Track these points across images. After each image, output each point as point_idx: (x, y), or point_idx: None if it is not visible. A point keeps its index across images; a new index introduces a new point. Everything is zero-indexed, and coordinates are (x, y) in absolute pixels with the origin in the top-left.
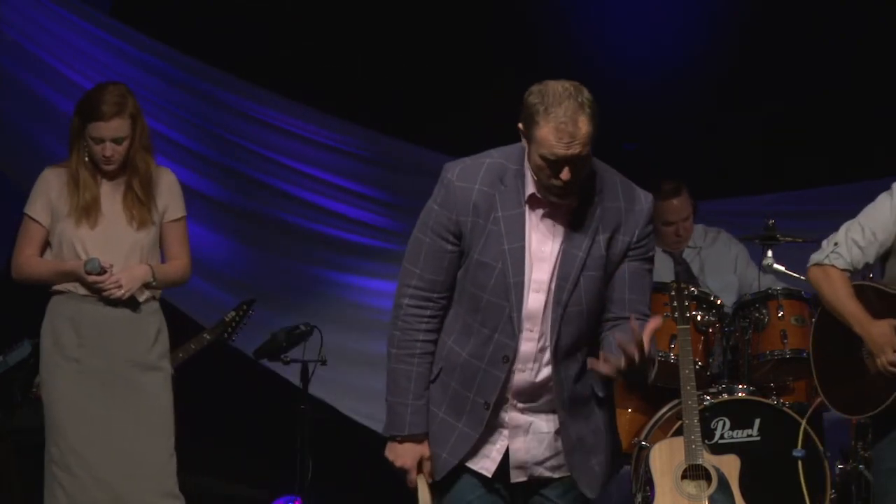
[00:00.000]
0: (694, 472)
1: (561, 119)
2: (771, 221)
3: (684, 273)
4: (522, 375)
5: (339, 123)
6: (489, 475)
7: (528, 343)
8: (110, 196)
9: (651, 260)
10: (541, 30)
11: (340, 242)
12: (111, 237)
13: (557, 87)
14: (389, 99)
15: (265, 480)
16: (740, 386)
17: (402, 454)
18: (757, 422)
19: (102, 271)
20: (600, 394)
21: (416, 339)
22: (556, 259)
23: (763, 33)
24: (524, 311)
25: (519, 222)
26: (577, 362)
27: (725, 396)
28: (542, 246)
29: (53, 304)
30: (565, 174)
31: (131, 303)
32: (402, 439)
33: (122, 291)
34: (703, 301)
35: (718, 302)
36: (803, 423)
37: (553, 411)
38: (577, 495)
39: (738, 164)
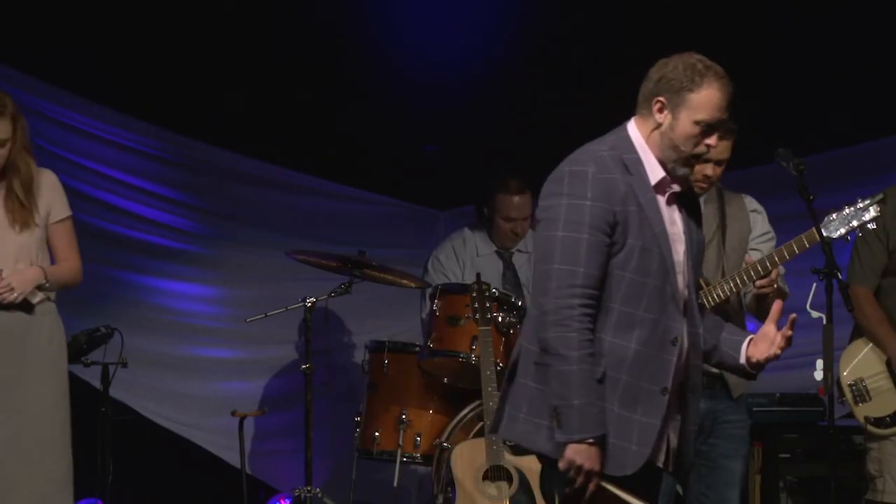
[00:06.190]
0: (496, 473)
1: (724, 81)
2: None
3: (511, 278)
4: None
5: (137, 124)
6: (662, 466)
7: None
8: None
9: None
10: (341, 29)
11: (139, 244)
12: None
13: (691, 58)
14: (188, 99)
15: None
16: None
17: (592, 456)
18: None
19: None
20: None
21: (590, 338)
22: (686, 241)
23: (563, 36)
24: (678, 293)
25: (656, 207)
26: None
27: None
28: (674, 228)
29: None
30: (713, 140)
31: (25, 306)
32: (594, 441)
33: (15, 295)
34: (505, 302)
35: (520, 303)
36: None
37: (687, 393)
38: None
39: (542, 165)
